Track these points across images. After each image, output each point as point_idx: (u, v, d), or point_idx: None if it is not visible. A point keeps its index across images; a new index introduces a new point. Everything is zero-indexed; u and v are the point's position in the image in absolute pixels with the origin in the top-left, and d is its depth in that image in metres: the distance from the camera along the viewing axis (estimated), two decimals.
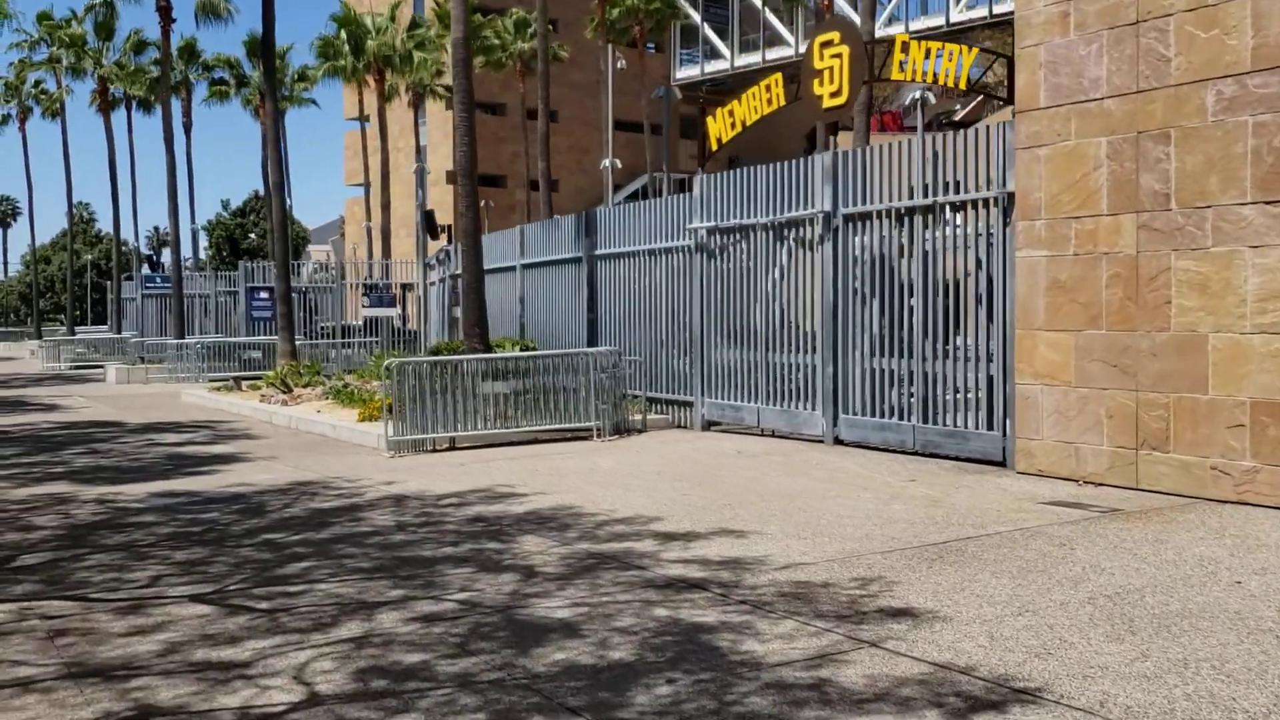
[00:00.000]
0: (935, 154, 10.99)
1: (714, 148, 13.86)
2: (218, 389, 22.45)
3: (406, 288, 33.13)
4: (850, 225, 12.06)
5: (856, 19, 62.34)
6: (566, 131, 72.76)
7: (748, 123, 13.26)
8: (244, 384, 22.29)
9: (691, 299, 14.35)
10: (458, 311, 23.87)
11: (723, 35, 69.07)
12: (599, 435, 13.66)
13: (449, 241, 27.10)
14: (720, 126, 13.63)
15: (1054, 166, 9.56)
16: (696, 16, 58.00)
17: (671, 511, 8.62)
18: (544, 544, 7.56)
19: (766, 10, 68.23)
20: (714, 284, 14.03)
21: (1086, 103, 9.28)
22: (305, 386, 20.34)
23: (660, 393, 14.95)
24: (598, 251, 16.46)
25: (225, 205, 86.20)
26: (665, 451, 12.24)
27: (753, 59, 68.96)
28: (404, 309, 31.57)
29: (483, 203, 23.74)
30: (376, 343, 30.42)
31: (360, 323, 31.41)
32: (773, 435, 13.18)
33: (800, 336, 12.76)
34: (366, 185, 52.29)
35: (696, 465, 11.07)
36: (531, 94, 49.87)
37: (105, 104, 48.39)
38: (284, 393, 19.76)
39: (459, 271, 23.44)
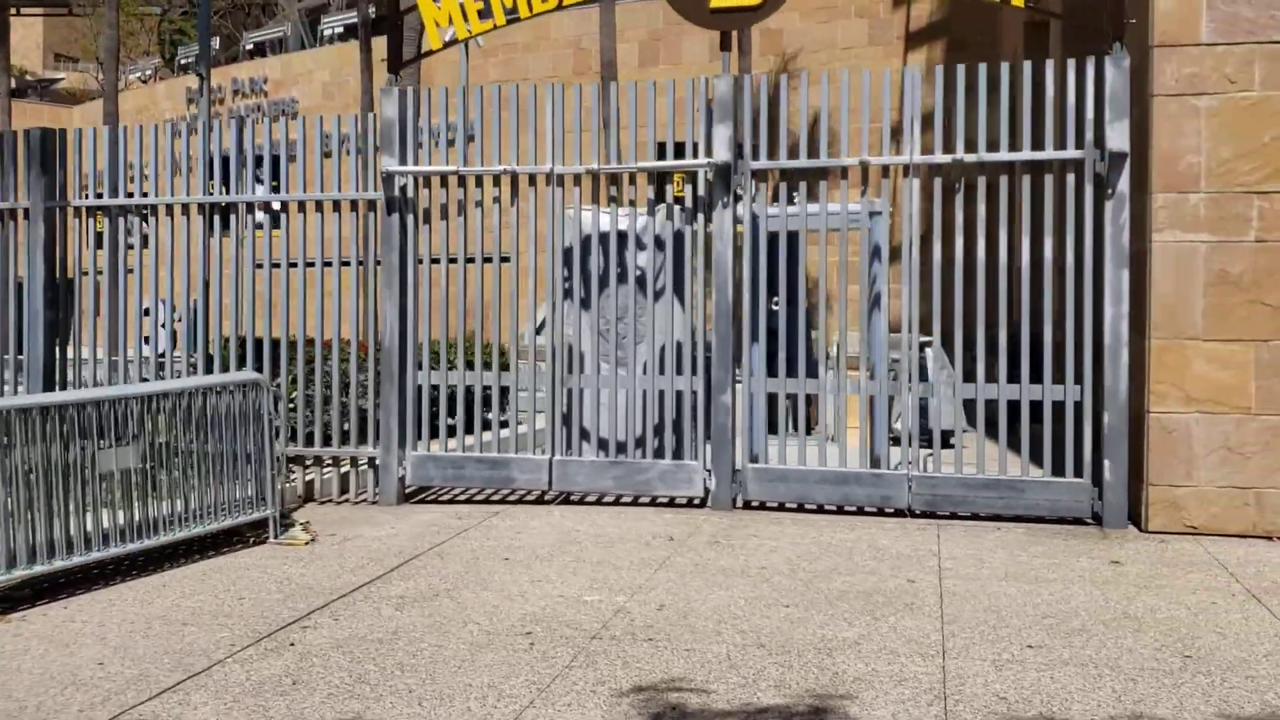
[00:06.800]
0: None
1: (436, 45, 8.38)
2: None
3: None
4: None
5: None
6: None
7: (524, 15, 8.15)
8: None
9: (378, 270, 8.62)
10: None
11: None
12: (275, 534, 7.41)
13: None
14: (452, 7, 8.18)
15: (1224, 124, 7.23)
16: None
17: None
18: None
19: None
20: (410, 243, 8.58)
21: None
22: None
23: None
24: (77, 202, 9.25)
25: None
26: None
27: None
28: None
29: None
30: None
31: None
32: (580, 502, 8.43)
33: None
34: None
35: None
36: None
37: None
38: None
39: None
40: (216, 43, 34.36)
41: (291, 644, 5.19)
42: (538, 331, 11.40)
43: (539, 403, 8.94)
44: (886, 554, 6.80)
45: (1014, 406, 7.86)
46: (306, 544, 7.31)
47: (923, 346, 10.25)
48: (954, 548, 6.95)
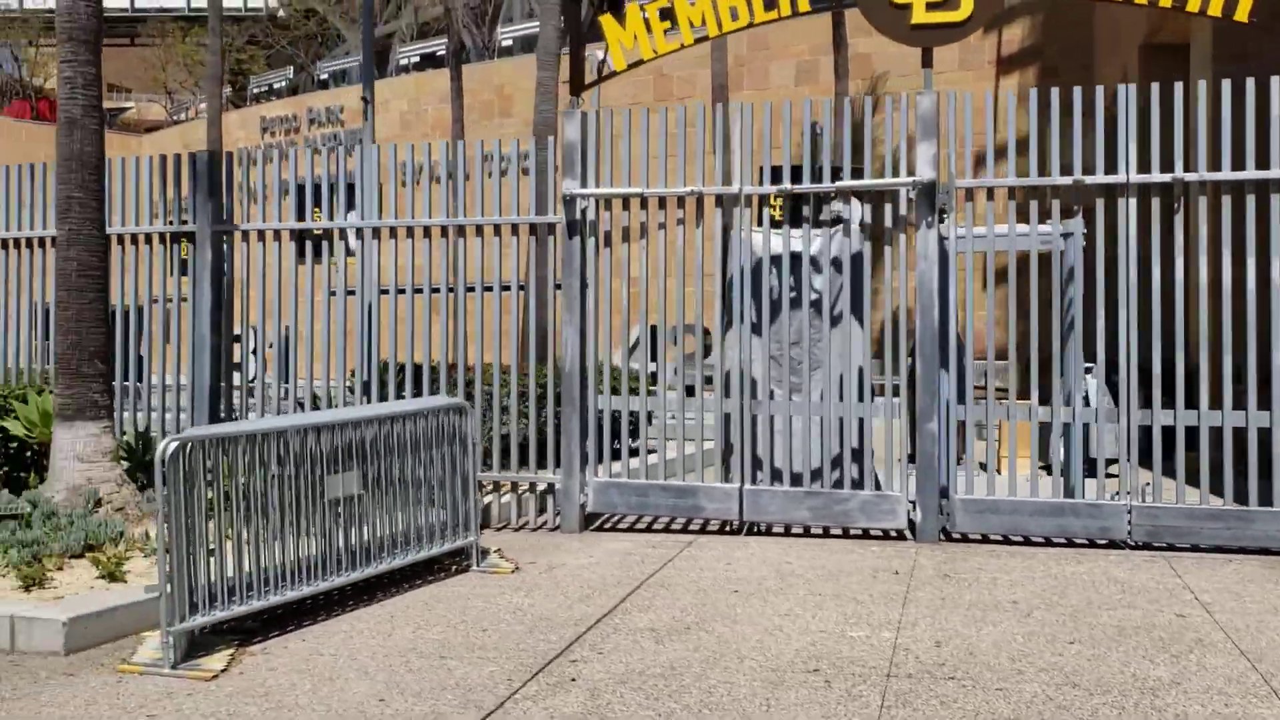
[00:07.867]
0: None
1: (620, 66, 8.23)
2: None
3: None
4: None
5: None
6: None
7: (713, 33, 8.01)
8: None
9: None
10: None
11: None
12: (477, 562, 7.19)
13: None
14: (638, 27, 8.03)
15: None
16: None
17: None
18: None
19: None
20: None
21: None
22: None
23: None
24: (245, 225, 9.15)
25: None
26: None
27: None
28: None
29: None
30: None
31: None
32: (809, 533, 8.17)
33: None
34: None
35: None
36: None
37: None
38: None
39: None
40: (290, 72, 34.63)
41: (573, 679, 4.95)
42: (631, 352, 11.20)
43: (710, 430, 8.72)
44: (1130, 587, 6.50)
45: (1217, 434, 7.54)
46: (512, 572, 7.08)
47: (1086, 372, 9.96)
48: (1198, 580, 6.64)
